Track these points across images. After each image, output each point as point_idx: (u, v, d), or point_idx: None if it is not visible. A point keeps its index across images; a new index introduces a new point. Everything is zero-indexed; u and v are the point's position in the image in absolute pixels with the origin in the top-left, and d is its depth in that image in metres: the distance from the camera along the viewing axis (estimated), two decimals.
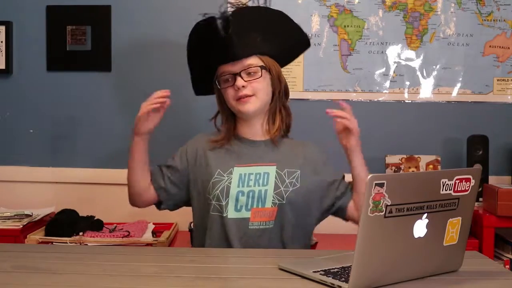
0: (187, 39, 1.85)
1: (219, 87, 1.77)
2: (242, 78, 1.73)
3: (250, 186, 1.71)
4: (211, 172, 1.75)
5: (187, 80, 1.90)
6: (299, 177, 1.74)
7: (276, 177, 1.73)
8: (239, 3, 1.82)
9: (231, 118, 1.83)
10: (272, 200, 1.70)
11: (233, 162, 1.75)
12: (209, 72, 1.81)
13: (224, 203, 1.70)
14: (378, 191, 1.13)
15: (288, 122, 1.84)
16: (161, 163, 1.86)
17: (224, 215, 1.70)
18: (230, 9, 1.81)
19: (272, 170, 1.74)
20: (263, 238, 1.69)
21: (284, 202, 1.70)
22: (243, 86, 1.73)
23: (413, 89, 2.57)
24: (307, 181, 1.75)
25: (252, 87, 1.74)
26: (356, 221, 1.76)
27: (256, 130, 1.81)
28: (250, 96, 1.74)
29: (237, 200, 1.70)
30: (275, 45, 1.80)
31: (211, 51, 1.77)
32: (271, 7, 1.86)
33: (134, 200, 1.85)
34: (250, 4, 1.86)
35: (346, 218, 1.81)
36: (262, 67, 1.75)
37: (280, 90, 1.80)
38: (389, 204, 1.15)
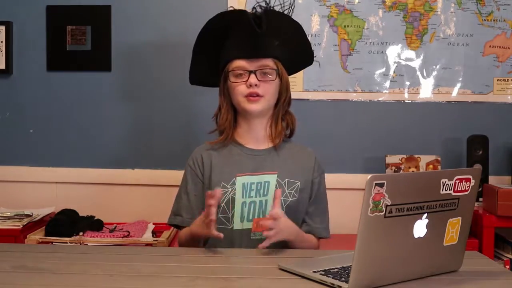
0: (205, 24, 1.81)
1: (229, 80, 1.74)
2: (256, 76, 1.72)
3: (251, 196, 1.71)
4: (214, 187, 1.72)
5: (186, 80, 1.89)
6: (298, 188, 1.74)
7: (276, 187, 1.72)
8: (267, 5, 1.80)
9: (232, 116, 1.79)
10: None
11: (235, 171, 1.73)
12: (214, 63, 1.79)
13: (230, 215, 1.70)
14: (378, 191, 1.13)
15: (292, 127, 1.82)
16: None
17: (230, 226, 1.70)
18: (259, 8, 1.78)
19: (273, 178, 1.73)
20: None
21: (283, 211, 1.69)
22: (256, 85, 1.71)
23: (413, 89, 2.57)
24: (303, 193, 1.75)
25: (263, 87, 1.72)
26: None
27: (257, 135, 1.78)
28: (260, 96, 1.72)
29: (241, 211, 1.70)
30: (287, 55, 1.80)
31: (232, 41, 1.75)
32: (292, 16, 1.86)
33: None
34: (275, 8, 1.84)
35: None
36: (277, 71, 1.74)
37: (285, 99, 1.79)
38: (389, 204, 1.15)
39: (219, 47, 1.78)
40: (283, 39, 1.77)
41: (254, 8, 1.79)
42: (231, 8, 1.86)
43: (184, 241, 1.75)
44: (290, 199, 1.72)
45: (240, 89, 1.73)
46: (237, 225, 1.70)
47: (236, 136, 1.80)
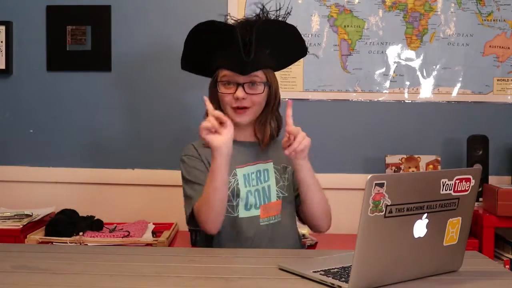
0: (195, 26, 1.78)
1: (218, 91, 1.74)
2: (244, 89, 1.70)
3: (254, 185, 1.74)
4: None
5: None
6: (290, 171, 1.78)
7: (275, 172, 1.76)
8: (261, 13, 1.77)
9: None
10: (276, 194, 1.74)
11: (233, 163, 1.73)
12: (206, 59, 1.78)
13: (234, 204, 1.71)
14: (378, 191, 1.13)
15: (280, 127, 1.82)
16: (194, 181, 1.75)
17: (235, 215, 1.71)
18: (252, 17, 1.75)
19: (270, 166, 1.77)
20: (275, 232, 1.72)
21: (286, 195, 1.75)
22: (243, 98, 1.70)
23: (413, 89, 2.57)
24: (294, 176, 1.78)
25: (251, 99, 1.72)
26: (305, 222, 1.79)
27: (246, 133, 1.79)
28: (247, 108, 1.72)
29: (246, 200, 1.72)
30: (279, 59, 1.80)
31: (221, 53, 1.73)
32: (289, 18, 1.83)
33: (218, 222, 1.65)
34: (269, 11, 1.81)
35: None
36: (265, 83, 1.73)
37: (274, 103, 1.78)
38: (389, 204, 1.15)
39: (210, 47, 1.76)
40: (274, 47, 1.75)
41: (248, 22, 1.75)
42: (229, 13, 1.83)
43: (199, 205, 1.64)
44: (286, 183, 1.77)
45: (228, 100, 1.72)
46: (242, 213, 1.71)
47: None
